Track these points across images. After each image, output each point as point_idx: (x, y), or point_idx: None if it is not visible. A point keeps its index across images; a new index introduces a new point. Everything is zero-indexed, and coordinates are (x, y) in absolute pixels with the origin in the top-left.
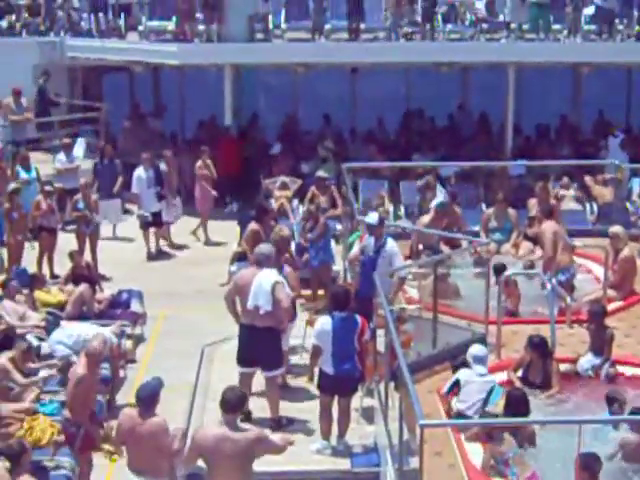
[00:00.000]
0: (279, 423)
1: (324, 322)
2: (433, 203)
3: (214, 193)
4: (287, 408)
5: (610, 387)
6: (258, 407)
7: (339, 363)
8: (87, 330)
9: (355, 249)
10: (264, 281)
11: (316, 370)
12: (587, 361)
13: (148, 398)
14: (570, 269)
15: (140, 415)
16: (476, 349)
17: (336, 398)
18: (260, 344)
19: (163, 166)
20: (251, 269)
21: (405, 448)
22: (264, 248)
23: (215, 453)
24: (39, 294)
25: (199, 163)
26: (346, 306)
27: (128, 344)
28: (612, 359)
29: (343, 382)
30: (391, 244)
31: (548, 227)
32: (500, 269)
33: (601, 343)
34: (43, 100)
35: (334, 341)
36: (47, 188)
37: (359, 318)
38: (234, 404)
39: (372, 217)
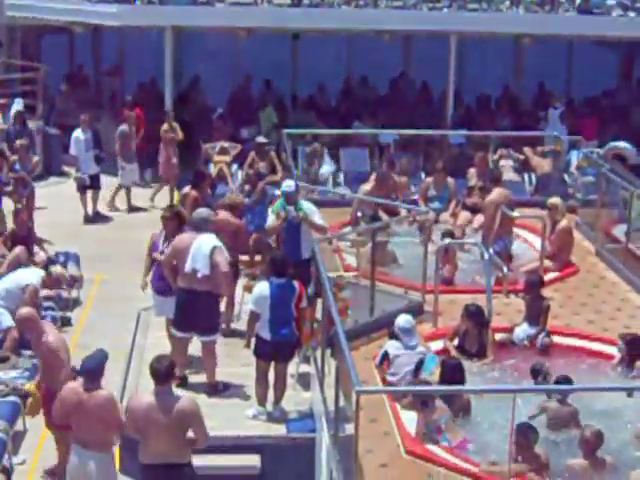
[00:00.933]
0: (215, 388)
1: (262, 288)
2: (322, 171)
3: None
4: (223, 372)
5: (544, 357)
6: (194, 372)
7: (276, 329)
8: (17, 279)
9: (272, 218)
10: (203, 245)
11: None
12: (522, 330)
13: (93, 371)
14: (505, 239)
15: (85, 389)
16: (402, 320)
17: (272, 364)
18: (198, 308)
19: (124, 127)
20: (189, 233)
21: (341, 414)
22: (203, 212)
23: (147, 422)
24: None
25: (165, 126)
26: (284, 272)
27: (58, 269)
28: (547, 329)
29: (280, 348)
30: (307, 205)
31: (496, 195)
32: (448, 235)
33: (537, 313)
34: None
35: (272, 307)
36: None
37: (296, 284)
38: (163, 374)
39: (289, 184)
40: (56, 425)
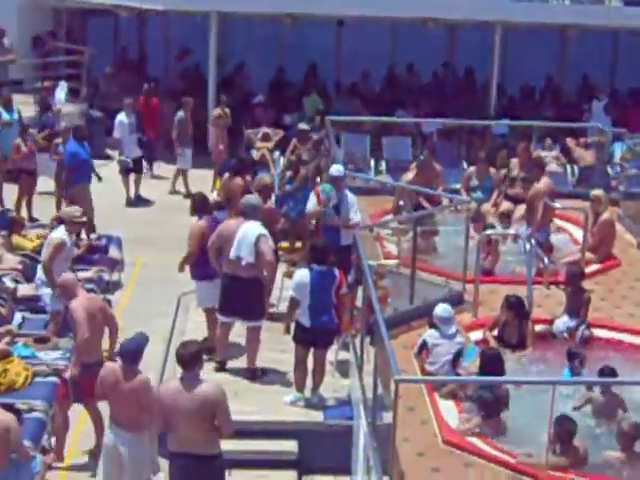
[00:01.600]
0: (254, 373)
1: (302, 274)
2: None
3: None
4: (262, 358)
5: (583, 350)
6: (232, 357)
7: (316, 316)
8: None
9: (312, 203)
10: (249, 232)
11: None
12: (562, 322)
13: (132, 354)
14: (547, 229)
15: (123, 371)
16: (440, 309)
17: (311, 350)
18: (242, 294)
19: (181, 113)
20: (236, 219)
21: (379, 402)
22: (252, 199)
23: (173, 408)
24: (16, 239)
25: (217, 112)
26: (325, 259)
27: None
28: (587, 322)
29: (319, 334)
30: (350, 195)
31: (543, 184)
32: (491, 226)
33: (577, 305)
34: None
35: (312, 294)
36: (30, 131)
37: (337, 272)
38: (187, 360)
39: (338, 169)
40: (87, 399)
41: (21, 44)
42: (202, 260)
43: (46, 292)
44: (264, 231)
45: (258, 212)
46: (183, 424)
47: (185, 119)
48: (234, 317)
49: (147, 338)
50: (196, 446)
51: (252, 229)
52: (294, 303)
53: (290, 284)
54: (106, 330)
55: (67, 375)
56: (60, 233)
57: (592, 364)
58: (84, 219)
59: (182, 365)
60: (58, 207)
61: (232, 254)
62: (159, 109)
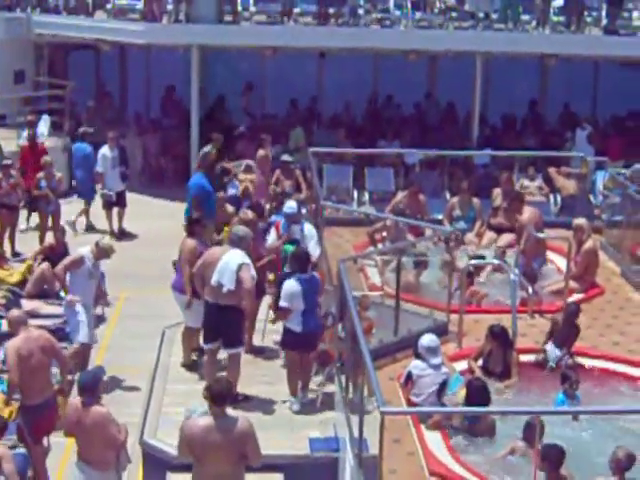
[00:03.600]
0: (235, 398)
1: (292, 284)
2: None
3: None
4: (250, 392)
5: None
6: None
7: (307, 321)
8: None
9: (272, 237)
10: (231, 260)
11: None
12: (551, 351)
13: (89, 386)
14: (540, 258)
15: (83, 405)
16: (427, 340)
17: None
18: (222, 321)
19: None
20: (221, 247)
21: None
22: (240, 229)
23: (204, 445)
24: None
25: (262, 152)
26: (307, 267)
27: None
28: (571, 351)
29: (309, 339)
30: (308, 226)
31: (531, 215)
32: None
33: (567, 338)
34: None
35: (304, 301)
36: (5, 162)
37: (318, 276)
38: (223, 396)
39: (291, 206)
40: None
41: (3, 79)
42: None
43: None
44: (247, 260)
45: (244, 242)
46: (215, 459)
47: (264, 157)
48: (215, 343)
49: (103, 370)
50: (224, 479)
51: (235, 257)
52: (285, 313)
53: (282, 295)
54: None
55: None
56: (84, 250)
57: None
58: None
59: (215, 401)
60: (41, 241)
61: (213, 280)
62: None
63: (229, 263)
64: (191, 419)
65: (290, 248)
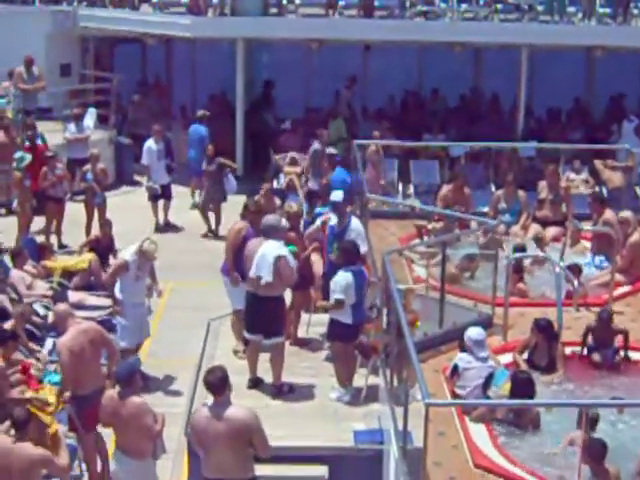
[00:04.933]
0: (280, 389)
1: (346, 277)
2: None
3: None
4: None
5: (616, 373)
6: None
7: (356, 313)
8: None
9: (315, 226)
10: (267, 252)
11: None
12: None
13: (125, 378)
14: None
15: (120, 396)
16: (474, 332)
17: None
18: (262, 312)
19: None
20: (258, 239)
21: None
22: (271, 218)
23: (207, 435)
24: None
25: (373, 147)
26: (356, 259)
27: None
28: (617, 346)
29: (358, 329)
30: (356, 222)
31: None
32: (520, 249)
33: (609, 339)
34: None
35: (356, 293)
36: (47, 154)
37: (365, 269)
38: (217, 386)
39: (337, 195)
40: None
41: (50, 72)
42: (240, 261)
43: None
44: (283, 251)
45: (278, 232)
46: (217, 450)
47: (320, 151)
48: (257, 334)
49: (139, 361)
50: (230, 471)
51: (271, 249)
52: (340, 305)
53: (336, 287)
54: None
55: (69, 410)
56: (126, 254)
57: (629, 387)
58: None
59: (211, 391)
60: (88, 233)
61: (252, 273)
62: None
63: (266, 255)
64: (197, 410)
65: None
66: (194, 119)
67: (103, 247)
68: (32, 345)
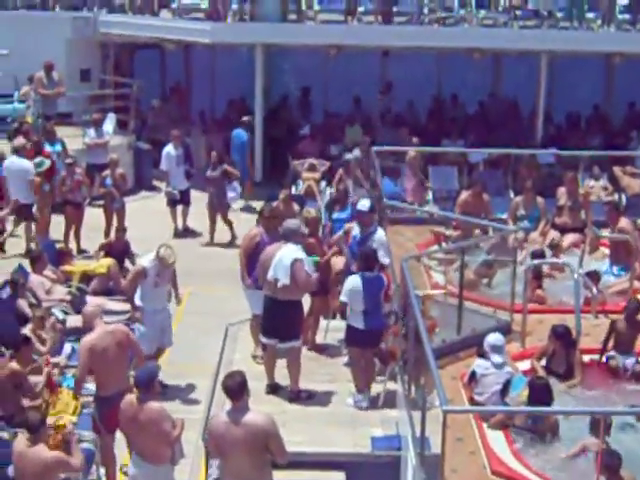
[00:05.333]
0: (298, 395)
1: (354, 281)
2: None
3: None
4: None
5: (635, 382)
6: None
7: (370, 320)
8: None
9: (338, 235)
10: (285, 255)
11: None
12: (619, 361)
13: (145, 383)
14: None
15: (139, 401)
16: (493, 338)
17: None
18: (279, 316)
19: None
20: (277, 244)
21: (427, 433)
22: (291, 223)
23: (224, 440)
24: (70, 267)
25: (412, 153)
26: (373, 266)
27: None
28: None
29: (372, 336)
30: (381, 234)
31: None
32: (538, 255)
33: (632, 340)
34: None
35: (365, 299)
36: (67, 161)
37: (384, 276)
38: (235, 391)
39: (364, 204)
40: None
41: (70, 77)
42: (254, 266)
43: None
44: (301, 255)
45: (297, 235)
46: (235, 455)
47: (360, 159)
48: (273, 338)
49: (159, 367)
50: (248, 477)
51: (289, 252)
52: (344, 308)
53: (342, 290)
54: None
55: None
56: (144, 260)
57: None
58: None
59: (230, 396)
60: (106, 238)
61: (269, 275)
62: None
63: (283, 258)
64: (215, 416)
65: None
66: (237, 124)
67: (117, 252)
68: (40, 347)
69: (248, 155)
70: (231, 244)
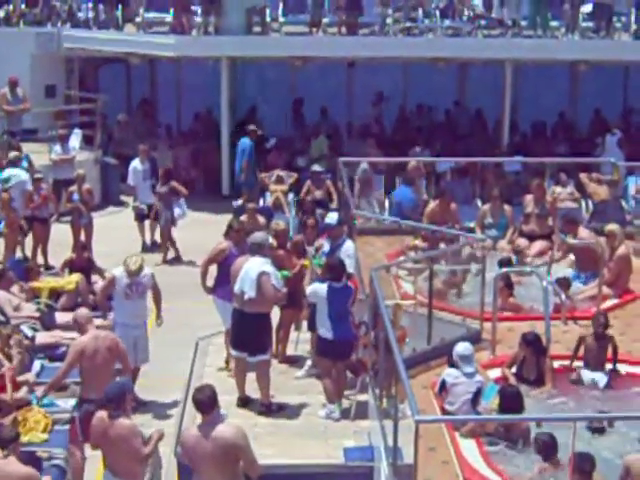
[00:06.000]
0: (269, 408)
1: (319, 287)
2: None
3: None
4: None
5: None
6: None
7: (336, 327)
8: None
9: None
10: (251, 268)
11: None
12: (585, 377)
13: (115, 398)
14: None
15: (110, 417)
16: (461, 347)
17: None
18: (246, 329)
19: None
20: (244, 257)
21: (399, 443)
22: (257, 236)
23: (195, 454)
24: (37, 283)
25: (413, 163)
26: (341, 276)
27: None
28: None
29: (341, 346)
30: (349, 245)
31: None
32: (505, 263)
33: (600, 355)
34: None
35: (331, 309)
36: (36, 175)
37: (352, 285)
38: (205, 404)
39: (332, 217)
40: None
41: (35, 93)
42: (225, 280)
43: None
44: (268, 268)
45: (263, 249)
46: (207, 470)
47: (369, 171)
48: (243, 352)
49: (129, 383)
50: None
51: (255, 265)
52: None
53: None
54: None
55: (76, 414)
56: (117, 270)
57: (619, 401)
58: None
59: (200, 410)
60: (74, 252)
61: (236, 288)
62: None
63: (249, 271)
64: (187, 429)
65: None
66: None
67: (78, 269)
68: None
69: (245, 162)
70: (176, 260)
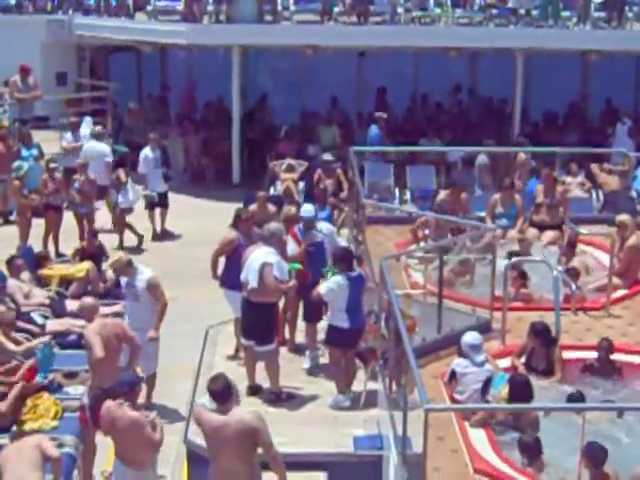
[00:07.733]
0: (279, 396)
1: (339, 281)
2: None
3: None
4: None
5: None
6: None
7: (353, 318)
8: None
9: (292, 247)
10: (255, 259)
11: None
12: None
13: (127, 385)
14: None
15: (118, 406)
16: (470, 337)
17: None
18: (253, 318)
19: None
20: (255, 245)
21: (408, 432)
22: (272, 226)
23: (214, 440)
24: (48, 270)
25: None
26: (352, 265)
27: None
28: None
29: (355, 335)
30: (325, 225)
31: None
32: (515, 254)
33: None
34: None
35: (350, 299)
36: (51, 165)
37: (364, 273)
38: (221, 394)
39: (308, 209)
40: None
41: (45, 81)
42: (233, 270)
43: None
44: (271, 259)
45: (273, 239)
46: (226, 456)
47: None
48: (250, 340)
49: (139, 377)
50: (239, 476)
51: (260, 255)
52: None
53: (323, 289)
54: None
55: (85, 400)
56: None
57: (628, 391)
58: None
59: (216, 400)
60: (82, 241)
61: (242, 277)
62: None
63: (253, 261)
64: (206, 412)
65: (295, 266)
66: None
67: (89, 256)
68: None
69: None
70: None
